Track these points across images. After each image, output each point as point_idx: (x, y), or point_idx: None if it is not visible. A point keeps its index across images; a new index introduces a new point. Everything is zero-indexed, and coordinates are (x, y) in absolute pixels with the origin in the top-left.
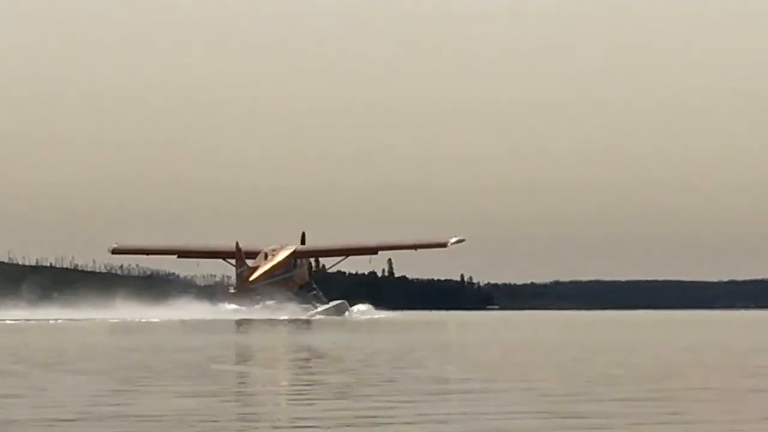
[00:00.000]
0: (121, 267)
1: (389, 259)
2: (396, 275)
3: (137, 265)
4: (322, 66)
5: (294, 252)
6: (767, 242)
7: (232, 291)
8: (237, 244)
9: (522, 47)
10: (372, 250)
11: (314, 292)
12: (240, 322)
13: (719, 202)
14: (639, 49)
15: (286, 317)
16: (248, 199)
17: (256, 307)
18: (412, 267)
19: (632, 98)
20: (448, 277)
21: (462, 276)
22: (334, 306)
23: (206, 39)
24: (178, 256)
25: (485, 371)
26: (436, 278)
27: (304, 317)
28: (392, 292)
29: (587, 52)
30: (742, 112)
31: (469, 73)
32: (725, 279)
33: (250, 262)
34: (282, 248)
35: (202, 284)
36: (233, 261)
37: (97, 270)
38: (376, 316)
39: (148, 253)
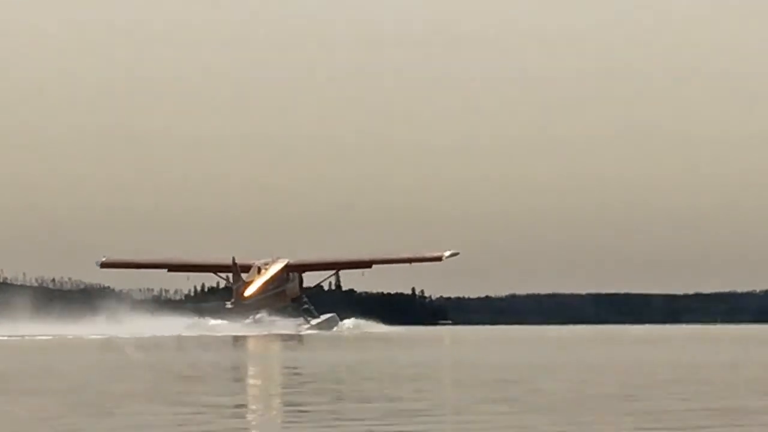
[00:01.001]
0: (53, 280)
1: (336, 272)
2: (343, 288)
3: (69, 279)
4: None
5: (287, 265)
6: (735, 254)
7: (229, 306)
8: (233, 259)
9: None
10: (366, 264)
11: (306, 306)
12: (236, 339)
13: (685, 212)
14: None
15: (277, 332)
16: (237, 205)
17: (246, 321)
18: (360, 280)
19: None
20: (399, 291)
21: (413, 289)
22: (325, 320)
23: (199, 36)
24: (169, 270)
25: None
26: (385, 291)
27: (295, 332)
28: (339, 307)
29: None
30: (719, 120)
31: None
32: (691, 292)
33: (243, 277)
34: (274, 261)
35: (140, 298)
36: (223, 275)
37: (28, 284)
38: (368, 331)
39: (137, 267)
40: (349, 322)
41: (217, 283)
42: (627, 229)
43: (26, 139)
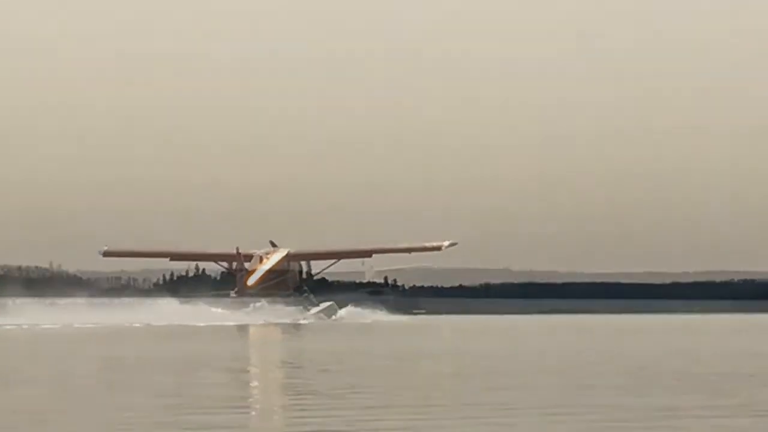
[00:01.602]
0: (19, 268)
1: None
2: (315, 277)
3: (36, 267)
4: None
5: (287, 255)
6: (715, 242)
7: (234, 295)
8: (237, 248)
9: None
10: (366, 254)
11: (306, 294)
12: (239, 328)
13: (665, 198)
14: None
15: (278, 320)
16: (236, 197)
17: (246, 310)
18: (332, 268)
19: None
20: (371, 279)
21: (386, 278)
22: (324, 308)
23: (201, 34)
24: (171, 259)
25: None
26: (357, 280)
27: (295, 320)
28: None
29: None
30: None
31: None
32: (668, 281)
33: (246, 266)
34: (275, 251)
35: (107, 287)
36: (225, 264)
37: None
38: (369, 320)
39: (140, 256)
40: (344, 311)
41: (186, 272)
42: (603, 218)
43: (23, 134)
